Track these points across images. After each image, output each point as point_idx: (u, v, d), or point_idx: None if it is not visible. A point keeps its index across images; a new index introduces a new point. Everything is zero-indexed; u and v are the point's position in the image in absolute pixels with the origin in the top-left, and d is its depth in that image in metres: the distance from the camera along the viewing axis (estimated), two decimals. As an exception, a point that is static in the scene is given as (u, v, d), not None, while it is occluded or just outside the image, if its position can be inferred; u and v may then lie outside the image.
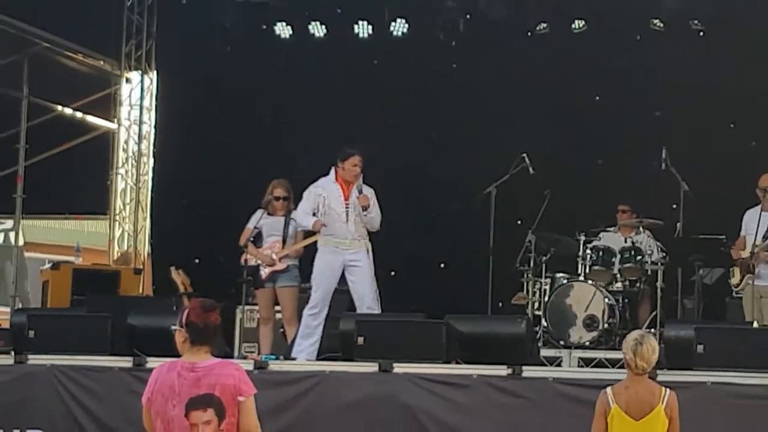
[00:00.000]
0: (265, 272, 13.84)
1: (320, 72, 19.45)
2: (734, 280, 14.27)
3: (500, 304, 15.80)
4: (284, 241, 13.93)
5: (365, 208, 13.23)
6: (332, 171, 13.44)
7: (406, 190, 17.39)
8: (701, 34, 18.25)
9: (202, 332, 7.43)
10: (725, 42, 17.93)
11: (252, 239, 13.92)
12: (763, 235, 13.83)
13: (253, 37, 19.64)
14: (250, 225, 14.07)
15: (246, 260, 13.93)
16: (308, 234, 13.88)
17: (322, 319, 13.27)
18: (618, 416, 8.69)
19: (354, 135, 18.01)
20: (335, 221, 13.24)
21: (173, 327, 7.48)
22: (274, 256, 13.83)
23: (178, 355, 7.41)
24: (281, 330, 14.07)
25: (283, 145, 18.94)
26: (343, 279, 13.41)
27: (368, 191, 13.41)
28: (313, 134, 18.85)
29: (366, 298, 13.25)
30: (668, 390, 8.84)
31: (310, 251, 13.87)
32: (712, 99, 17.63)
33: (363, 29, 19.38)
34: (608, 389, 8.85)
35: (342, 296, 14.03)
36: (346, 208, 13.26)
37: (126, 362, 12.04)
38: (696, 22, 18.23)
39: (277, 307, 14.11)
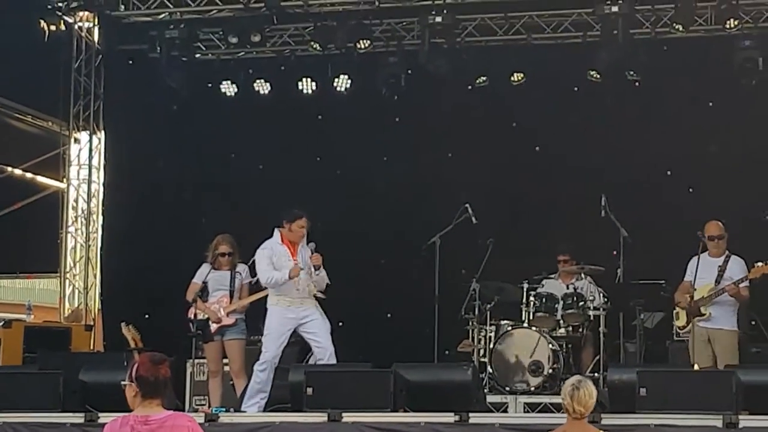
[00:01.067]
0: (213, 327, 13.83)
1: (266, 127, 19.50)
2: (679, 323, 14.35)
3: (446, 352, 15.80)
4: (231, 295, 13.94)
5: (317, 267, 13.28)
6: (276, 233, 13.44)
7: (351, 241, 17.40)
8: (637, 84, 18.43)
9: (152, 385, 7.42)
10: (660, 91, 18.11)
11: (199, 294, 13.92)
12: (714, 279, 13.98)
13: (199, 96, 19.67)
14: (197, 280, 14.09)
15: (195, 314, 13.90)
16: (254, 290, 13.94)
17: (271, 373, 13.25)
18: (559, 460, 8.75)
19: (300, 186, 18.12)
20: (286, 281, 13.28)
21: (123, 382, 7.46)
22: (222, 312, 13.83)
23: (130, 410, 7.39)
24: (230, 382, 14.03)
25: (230, 199, 18.95)
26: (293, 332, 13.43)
27: (311, 246, 13.48)
28: (260, 187, 18.92)
29: (328, 348, 13.25)
30: (607, 436, 8.90)
31: (255, 306, 13.94)
32: (648, 147, 17.78)
33: (307, 86, 19.45)
34: (550, 433, 8.90)
35: (292, 349, 14.03)
36: (296, 265, 13.29)
37: (78, 418, 11.99)
38: (632, 72, 18.40)
39: (225, 360, 14.11)
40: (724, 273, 13.97)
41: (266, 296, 13.68)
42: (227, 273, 14.02)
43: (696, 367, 13.33)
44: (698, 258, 14.08)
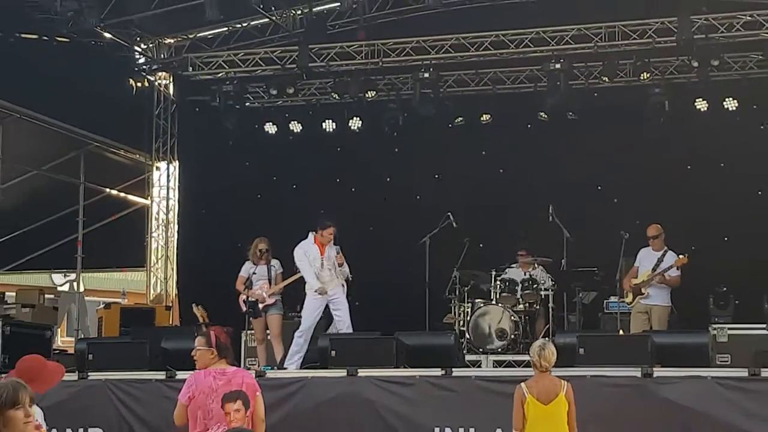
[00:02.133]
0: (260, 306, 13.88)
1: (298, 157, 19.52)
2: (627, 300, 14.37)
3: (435, 323, 15.79)
4: (270, 283, 13.97)
5: (340, 265, 13.33)
6: (310, 235, 13.46)
7: (364, 242, 17.39)
8: (575, 122, 18.44)
9: (224, 349, 7.62)
10: (592, 127, 18.10)
11: (246, 284, 13.97)
12: (652, 267, 14.01)
13: (248, 134, 19.69)
14: (243, 273, 14.13)
15: (247, 298, 13.92)
16: (285, 277, 14.01)
17: (307, 340, 13.28)
18: (532, 403, 8.77)
19: (325, 200, 18.15)
20: (320, 272, 13.32)
21: (201, 348, 7.59)
22: (265, 295, 13.87)
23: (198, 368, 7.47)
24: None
25: (271, 211, 18.98)
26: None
27: (336, 248, 13.50)
28: (293, 202, 18.93)
29: (346, 321, 13.31)
30: (566, 382, 8.93)
31: (289, 289, 14.04)
32: (584, 169, 17.78)
33: (329, 125, 19.49)
34: (522, 384, 8.93)
35: (320, 322, 14.05)
36: (322, 261, 13.29)
37: (160, 375, 12.01)
38: (571, 113, 18.41)
39: (268, 331, 14.15)
40: (661, 263, 14.01)
41: (295, 281, 13.77)
42: (265, 266, 14.05)
43: (621, 332, 13.37)
44: (648, 251, 14.16)
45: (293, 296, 14.32)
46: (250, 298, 13.93)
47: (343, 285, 13.61)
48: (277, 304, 14.04)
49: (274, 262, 14.13)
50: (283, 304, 14.14)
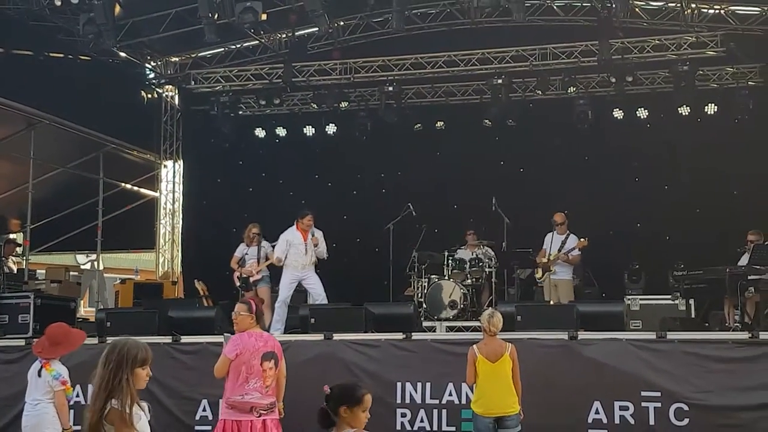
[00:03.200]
0: (249, 281, 13.83)
1: (284, 157, 19.49)
2: (538, 276, 14.43)
3: (397, 295, 15.80)
4: (258, 261, 13.91)
5: (316, 245, 13.26)
6: (295, 223, 13.41)
7: (341, 227, 17.33)
8: (514, 128, 18.49)
9: (261, 316, 7.65)
10: (527, 132, 18.17)
11: (239, 262, 13.91)
12: (557, 249, 14.05)
13: (241, 137, 19.63)
14: (237, 254, 14.04)
15: (240, 275, 13.86)
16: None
17: (286, 310, 13.23)
18: (482, 361, 8.78)
19: (306, 193, 18.11)
20: (298, 254, 13.18)
21: (242, 313, 7.58)
22: (254, 271, 13.81)
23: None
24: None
25: (262, 202, 18.91)
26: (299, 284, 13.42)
27: (319, 233, 13.38)
28: (280, 195, 18.89)
29: (319, 296, 13.23)
30: (511, 344, 8.97)
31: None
32: (519, 165, 17.85)
33: (309, 130, 19.48)
34: (474, 346, 8.95)
35: (300, 294, 14.00)
36: (305, 245, 13.22)
37: (167, 339, 11.92)
38: (510, 120, 18.46)
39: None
40: (564, 245, 14.06)
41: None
42: (255, 247, 13.98)
43: (551, 302, 13.41)
44: (551, 235, 14.21)
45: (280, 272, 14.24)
46: (242, 275, 13.87)
47: (314, 264, 13.51)
48: (264, 279, 13.94)
49: (264, 243, 14.02)
50: (271, 279, 14.06)
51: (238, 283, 13.84)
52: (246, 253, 13.98)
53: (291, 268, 13.26)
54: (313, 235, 13.30)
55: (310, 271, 13.36)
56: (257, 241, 13.99)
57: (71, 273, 17.91)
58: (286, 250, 13.18)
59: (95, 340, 12.17)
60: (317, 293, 13.30)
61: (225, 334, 7.95)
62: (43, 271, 17.96)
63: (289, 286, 13.26)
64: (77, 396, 9.60)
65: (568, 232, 14.16)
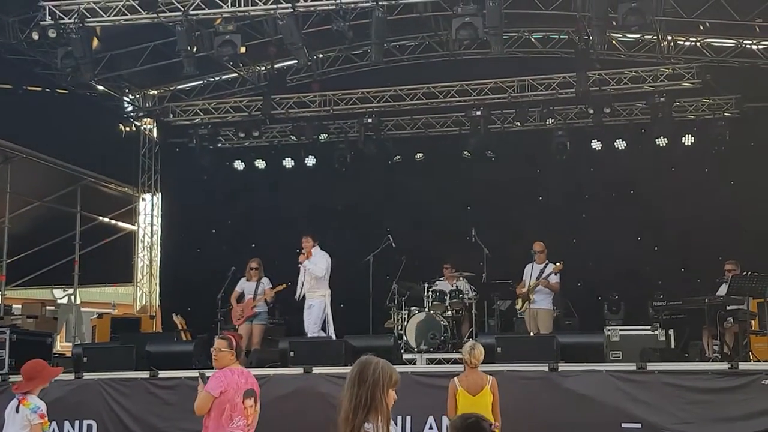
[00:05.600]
0: (242, 318, 13.75)
1: (262, 190, 19.47)
2: (518, 306, 14.43)
3: (377, 328, 15.72)
4: (254, 297, 13.81)
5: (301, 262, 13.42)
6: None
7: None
8: (493, 159, 18.58)
9: (241, 352, 7.61)
10: (506, 163, 18.25)
11: (237, 300, 13.89)
12: (536, 277, 14.07)
13: (220, 170, 19.63)
14: (237, 289, 14.02)
15: (240, 312, 13.83)
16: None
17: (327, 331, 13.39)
18: (462, 394, 8.78)
19: (285, 225, 18.10)
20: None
21: (223, 349, 7.53)
22: (241, 312, 13.70)
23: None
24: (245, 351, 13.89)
25: (239, 233, 18.90)
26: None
27: (320, 254, 13.51)
28: (259, 225, 18.90)
29: (307, 329, 13.29)
30: (492, 377, 8.97)
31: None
32: (499, 196, 17.89)
33: (288, 162, 19.49)
34: (455, 378, 8.96)
35: (279, 327, 13.94)
36: (304, 270, 13.42)
37: (145, 375, 11.87)
38: (489, 152, 18.56)
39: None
40: (542, 273, 14.09)
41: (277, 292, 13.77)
42: (254, 283, 13.89)
43: (531, 333, 13.41)
44: (531, 265, 14.24)
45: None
46: (233, 309, 13.85)
47: (315, 291, 13.49)
48: (260, 315, 13.86)
49: (264, 280, 13.96)
50: (270, 314, 13.99)
51: (236, 320, 13.75)
52: (243, 288, 13.93)
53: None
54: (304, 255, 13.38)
55: (309, 299, 13.39)
56: (257, 276, 13.90)
57: (48, 308, 17.82)
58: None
59: (72, 376, 12.12)
60: (306, 325, 13.25)
61: (201, 371, 7.86)
62: (19, 306, 17.84)
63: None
64: (53, 432, 9.53)
65: (546, 261, 14.19)
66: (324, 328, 13.44)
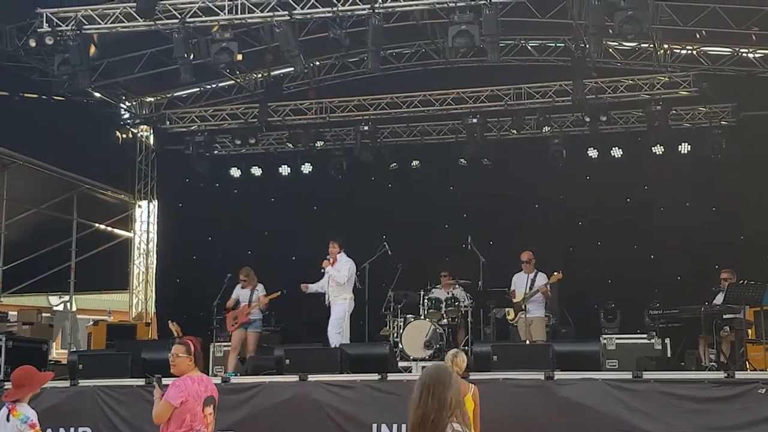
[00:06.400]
0: (236, 324, 13.68)
1: (259, 196, 19.46)
2: (510, 317, 14.36)
3: (373, 335, 15.68)
4: (249, 304, 13.77)
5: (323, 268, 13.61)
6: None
7: (315, 267, 17.26)
8: (489, 167, 18.58)
9: (199, 358, 7.47)
10: (503, 171, 18.25)
11: (234, 304, 13.84)
12: (528, 287, 14.05)
13: (216, 177, 19.61)
14: (233, 295, 13.95)
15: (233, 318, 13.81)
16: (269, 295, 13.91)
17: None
18: (444, 402, 8.73)
19: (282, 232, 18.08)
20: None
21: (180, 355, 7.37)
22: (235, 319, 13.67)
23: (174, 376, 7.32)
24: (240, 357, 13.87)
25: (237, 240, 18.87)
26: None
27: (345, 260, 13.63)
28: (256, 232, 18.88)
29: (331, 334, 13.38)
30: (474, 385, 8.92)
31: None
32: (495, 204, 17.88)
33: (284, 170, 19.48)
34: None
35: (275, 334, 13.91)
36: (327, 275, 13.60)
37: (140, 382, 11.85)
38: (485, 159, 18.56)
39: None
40: (533, 283, 14.06)
41: (271, 299, 13.74)
42: (248, 290, 13.84)
43: (527, 342, 13.39)
44: (521, 275, 14.22)
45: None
46: (226, 314, 13.81)
47: (338, 295, 13.62)
48: (255, 323, 13.78)
49: (259, 287, 13.90)
50: (265, 322, 13.95)
51: (229, 326, 13.72)
52: (238, 295, 13.91)
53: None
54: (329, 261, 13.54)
55: (333, 304, 13.53)
56: (251, 285, 13.86)
57: (43, 315, 17.75)
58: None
59: (67, 383, 12.09)
60: (329, 330, 13.36)
61: (156, 376, 7.71)
62: (15, 313, 17.79)
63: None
64: (47, 440, 9.49)
65: (535, 270, 14.18)
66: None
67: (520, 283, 14.15)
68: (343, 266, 13.57)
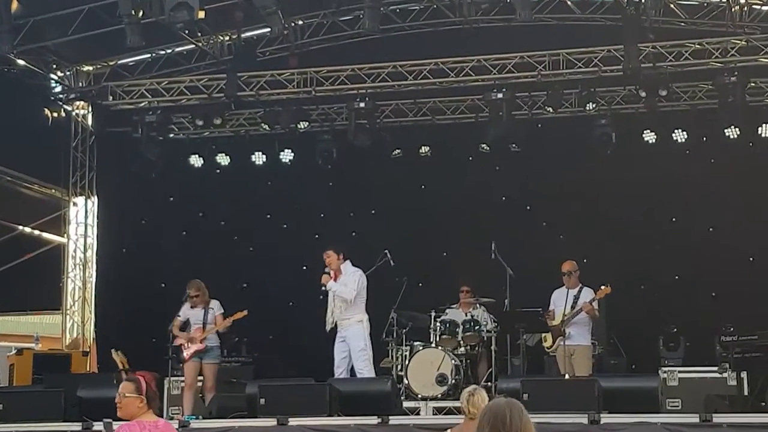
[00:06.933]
0: (188, 352, 13.71)
1: (226, 192, 19.49)
2: (547, 344, 14.44)
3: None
4: (204, 327, 13.81)
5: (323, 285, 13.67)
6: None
7: (299, 281, 17.27)
8: (518, 154, 18.59)
9: (153, 398, 7.46)
10: (537, 158, 18.28)
11: (182, 327, 13.85)
12: (571, 306, 14.08)
13: (173, 167, 19.62)
14: (180, 316, 13.99)
15: (171, 343, 13.82)
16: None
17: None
18: (454, 451, 8.83)
19: (256, 237, 18.07)
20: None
21: (128, 394, 7.36)
22: (189, 345, 13.69)
23: (118, 419, 7.33)
24: (200, 395, 13.92)
25: (199, 248, 18.90)
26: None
27: (351, 271, 13.67)
28: (222, 238, 18.91)
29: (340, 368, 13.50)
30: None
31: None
32: (527, 202, 17.91)
33: (258, 158, 19.50)
34: (448, 431, 8.96)
35: (246, 367, 13.94)
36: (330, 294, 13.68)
37: (76, 426, 11.87)
38: (513, 145, 18.57)
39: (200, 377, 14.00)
40: (578, 300, 14.10)
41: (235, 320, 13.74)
42: (201, 310, 13.88)
43: (566, 376, 13.42)
44: (562, 291, 14.26)
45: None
46: (174, 344, 13.80)
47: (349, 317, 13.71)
48: (212, 351, 13.83)
49: (213, 304, 13.94)
50: (235, 350, 13.98)
51: (183, 354, 13.74)
52: (188, 316, 13.90)
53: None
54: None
55: (342, 329, 13.56)
56: (200, 302, 13.90)
57: (-47, 341, 17.80)
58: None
59: (-17, 428, 12.11)
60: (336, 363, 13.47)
61: (105, 420, 7.73)
62: None
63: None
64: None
65: (580, 284, 14.23)
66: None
67: (559, 301, 14.19)
68: (349, 278, 13.59)
